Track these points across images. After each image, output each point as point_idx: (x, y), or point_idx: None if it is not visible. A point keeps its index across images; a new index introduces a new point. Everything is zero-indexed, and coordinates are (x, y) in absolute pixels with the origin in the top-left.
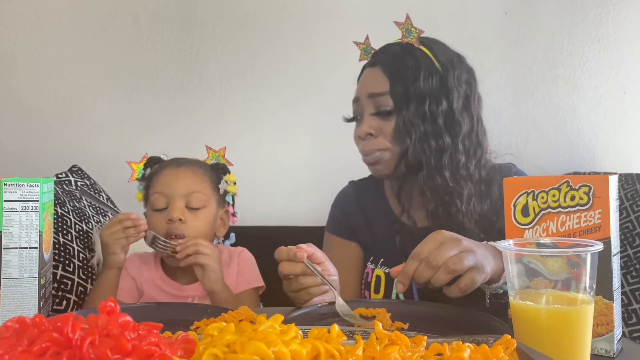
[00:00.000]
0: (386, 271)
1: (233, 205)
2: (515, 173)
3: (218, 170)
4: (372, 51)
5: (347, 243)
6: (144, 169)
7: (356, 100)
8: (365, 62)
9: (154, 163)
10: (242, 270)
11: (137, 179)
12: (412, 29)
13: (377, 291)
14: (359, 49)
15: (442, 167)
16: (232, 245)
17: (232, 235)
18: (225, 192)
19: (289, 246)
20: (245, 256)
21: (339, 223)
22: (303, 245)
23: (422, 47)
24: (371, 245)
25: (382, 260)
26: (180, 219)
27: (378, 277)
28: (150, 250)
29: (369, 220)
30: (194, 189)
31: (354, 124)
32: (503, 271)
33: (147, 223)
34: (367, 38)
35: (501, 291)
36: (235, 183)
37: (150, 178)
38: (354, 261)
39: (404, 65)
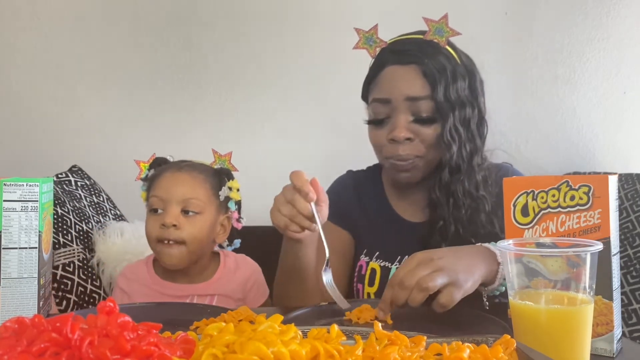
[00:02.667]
0: (382, 264)
1: (239, 210)
2: (513, 173)
3: (221, 176)
4: (378, 41)
5: (338, 229)
6: (149, 170)
7: (385, 102)
8: (357, 49)
9: (158, 164)
10: (258, 284)
11: (141, 179)
12: (446, 29)
13: (371, 284)
14: (358, 35)
15: (476, 170)
16: (235, 251)
17: (237, 241)
18: (228, 199)
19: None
20: (255, 268)
21: (333, 208)
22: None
23: (447, 47)
24: (366, 237)
25: (377, 253)
26: (174, 225)
27: (373, 270)
28: (142, 256)
29: (365, 212)
30: (191, 195)
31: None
32: (497, 273)
33: (145, 225)
34: (375, 27)
35: (497, 292)
36: (238, 190)
37: (152, 180)
38: (342, 248)
39: (441, 66)
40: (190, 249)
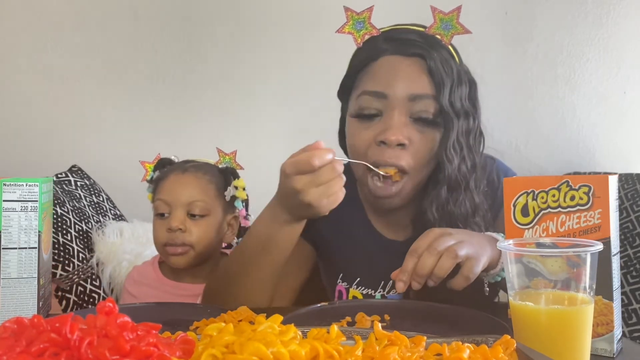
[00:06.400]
0: (364, 292)
1: (247, 207)
2: (497, 168)
3: (227, 175)
4: (369, 27)
5: (300, 240)
6: (154, 171)
7: (379, 96)
8: (337, 30)
9: (162, 166)
10: None
11: (147, 181)
12: (456, 24)
13: None
14: (346, 16)
15: (473, 188)
16: None
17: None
18: (234, 198)
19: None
20: None
21: None
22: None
23: (450, 46)
24: (343, 261)
25: (358, 279)
26: (180, 229)
27: (355, 298)
28: (141, 257)
29: (343, 233)
30: (197, 197)
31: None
32: (500, 258)
33: (153, 228)
34: (370, 9)
35: (499, 278)
36: (244, 188)
37: (157, 182)
38: (299, 262)
39: (448, 65)
40: (197, 251)
